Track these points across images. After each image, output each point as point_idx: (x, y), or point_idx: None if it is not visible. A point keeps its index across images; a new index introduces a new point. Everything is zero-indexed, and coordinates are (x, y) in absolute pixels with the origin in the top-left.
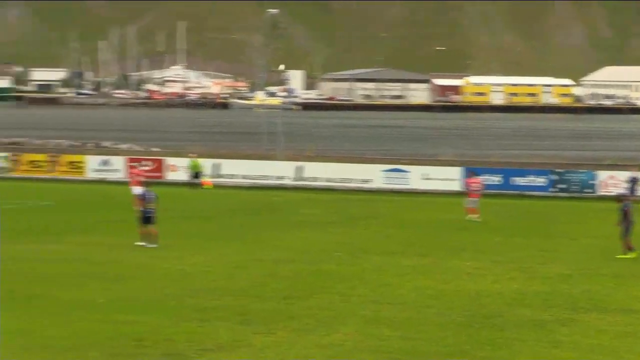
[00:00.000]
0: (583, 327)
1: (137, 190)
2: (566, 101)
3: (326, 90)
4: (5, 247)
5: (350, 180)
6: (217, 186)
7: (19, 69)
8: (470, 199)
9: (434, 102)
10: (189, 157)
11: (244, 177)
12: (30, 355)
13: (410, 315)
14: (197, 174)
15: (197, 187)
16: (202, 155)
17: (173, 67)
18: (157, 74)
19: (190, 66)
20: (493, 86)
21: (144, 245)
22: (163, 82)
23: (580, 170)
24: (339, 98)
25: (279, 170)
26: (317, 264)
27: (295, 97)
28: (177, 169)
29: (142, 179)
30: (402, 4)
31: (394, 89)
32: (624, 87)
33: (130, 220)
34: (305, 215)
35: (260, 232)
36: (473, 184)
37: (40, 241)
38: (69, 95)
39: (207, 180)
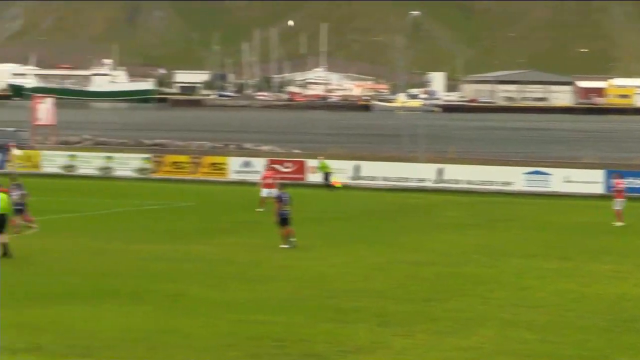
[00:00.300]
0: None
1: (272, 192)
2: None
3: (468, 92)
4: (149, 247)
5: (491, 182)
6: (357, 188)
7: (162, 71)
8: (617, 200)
9: (576, 104)
10: (318, 158)
11: (385, 179)
12: (173, 354)
13: (550, 318)
14: (326, 175)
15: (328, 188)
16: (342, 157)
17: (315, 69)
18: (299, 76)
19: (331, 68)
20: (637, 88)
21: (287, 247)
22: (305, 84)
23: None
24: (480, 100)
25: (420, 173)
26: (457, 267)
27: (437, 99)
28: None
29: (276, 181)
30: (545, 5)
31: (537, 91)
32: None
33: (270, 222)
34: (445, 218)
35: (400, 234)
36: (619, 185)
37: (182, 242)
38: (211, 97)
39: (336, 180)
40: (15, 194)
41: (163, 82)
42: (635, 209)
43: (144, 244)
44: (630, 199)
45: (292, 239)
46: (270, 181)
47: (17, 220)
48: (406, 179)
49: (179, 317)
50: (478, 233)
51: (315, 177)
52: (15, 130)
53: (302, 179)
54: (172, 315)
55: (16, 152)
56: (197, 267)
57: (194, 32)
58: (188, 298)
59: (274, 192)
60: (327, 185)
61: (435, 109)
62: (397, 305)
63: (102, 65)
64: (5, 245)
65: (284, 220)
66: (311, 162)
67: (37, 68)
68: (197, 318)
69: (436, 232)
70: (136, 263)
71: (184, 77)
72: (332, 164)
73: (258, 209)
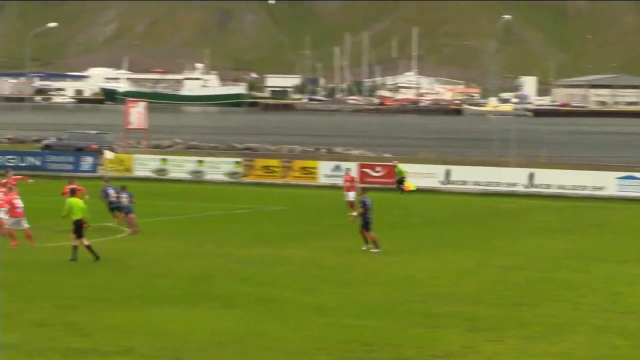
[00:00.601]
0: None
1: (351, 195)
2: None
3: (559, 96)
4: (240, 251)
5: (582, 187)
6: (447, 192)
7: (253, 75)
8: None
9: None
10: (393, 162)
11: (475, 183)
12: (264, 358)
13: None
14: (401, 180)
15: (401, 192)
16: (433, 162)
17: (406, 73)
18: (389, 80)
19: (422, 72)
20: None
21: (370, 249)
22: (396, 88)
23: None
24: (572, 104)
25: (511, 177)
26: (548, 272)
27: (528, 103)
28: (408, 174)
29: (356, 185)
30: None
31: (630, 95)
32: None
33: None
34: (536, 222)
35: (490, 239)
36: None
37: (272, 245)
38: (302, 101)
39: (409, 185)
40: (125, 196)
41: (254, 86)
42: None
43: (235, 248)
44: None
45: (371, 244)
46: (349, 184)
47: (120, 220)
48: (497, 184)
49: (270, 320)
50: (569, 238)
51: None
52: (97, 133)
53: (392, 183)
54: (262, 318)
55: (108, 155)
56: (288, 271)
57: (285, 36)
58: (279, 302)
59: (352, 195)
60: (400, 189)
61: (527, 113)
62: (487, 310)
63: (194, 69)
64: (90, 248)
65: (366, 225)
66: (402, 167)
67: (129, 72)
68: (287, 322)
69: (527, 237)
70: (227, 266)
71: (275, 81)
72: (423, 168)
73: (350, 214)
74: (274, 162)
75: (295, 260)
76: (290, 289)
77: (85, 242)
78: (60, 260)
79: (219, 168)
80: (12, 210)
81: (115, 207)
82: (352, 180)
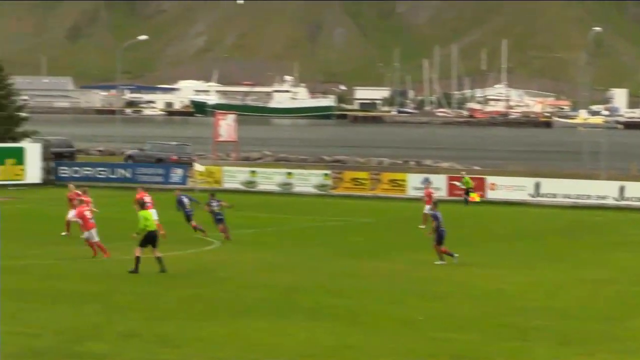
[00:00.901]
0: None
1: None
2: None
3: None
4: (328, 264)
5: None
6: (537, 205)
7: (342, 87)
8: None
9: None
10: (461, 174)
11: (565, 196)
12: None
13: None
14: (467, 191)
15: (466, 204)
16: (522, 174)
17: (495, 85)
18: (479, 93)
19: (512, 84)
20: None
21: (441, 263)
22: (485, 101)
23: None
24: None
25: (601, 190)
26: (639, 285)
27: (619, 115)
28: (497, 187)
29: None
30: None
31: None
32: None
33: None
34: (627, 236)
35: (581, 252)
36: None
37: (361, 258)
38: (391, 113)
39: (474, 196)
40: (215, 204)
41: (343, 98)
42: None
43: (324, 260)
44: None
45: (444, 258)
46: (427, 198)
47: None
48: (587, 196)
49: (358, 333)
50: None
51: (496, 194)
52: (178, 145)
53: (482, 196)
54: (351, 331)
55: (198, 167)
56: (376, 284)
57: (374, 49)
58: (367, 314)
59: (427, 208)
60: (465, 201)
61: (618, 125)
62: (578, 323)
63: (283, 82)
64: (160, 260)
65: (440, 239)
66: (491, 179)
67: (219, 85)
68: (376, 334)
69: (617, 250)
70: (316, 279)
71: (363, 93)
72: (512, 181)
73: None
74: (362, 175)
75: (384, 272)
76: (378, 302)
77: (158, 253)
78: (147, 272)
79: (307, 180)
80: (85, 222)
81: (190, 216)
82: (429, 194)
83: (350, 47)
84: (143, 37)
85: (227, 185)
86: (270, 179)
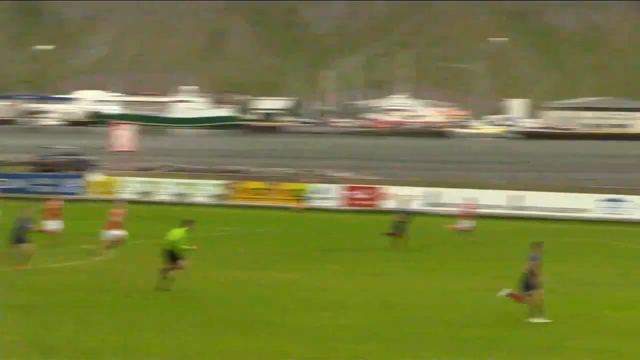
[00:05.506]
0: None
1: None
2: None
3: (551, 119)
4: (220, 273)
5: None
6: (429, 215)
7: (242, 97)
8: None
9: None
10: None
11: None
12: None
13: None
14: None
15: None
16: (419, 184)
17: (395, 95)
18: (379, 103)
19: (412, 95)
20: None
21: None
22: (385, 111)
23: None
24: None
25: (492, 199)
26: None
27: (518, 125)
28: (394, 197)
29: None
30: (621, 32)
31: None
32: None
33: (343, 249)
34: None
35: (469, 262)
36: None
37: (247, 268)
38: (290, 123)
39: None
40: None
41: (244, 108)
42: None
43: (215, 269)
44: None
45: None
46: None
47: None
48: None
49: (248, 340)
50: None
51: (389, 204)
52: (71, 151)
53: (375, 205)
54: (237, 338)
55: (95, 177)
56: (265, 293)
57: (277, 59)
58: (265, 324)
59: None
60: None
61: (515, 135)
62: (469, 331)
63: (183, 91)
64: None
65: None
66: (387, 189)
67: (120, 95)
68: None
69: (507, 260)
70: (207, 287)
71: (265, 103)
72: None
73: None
74: (259, 185)
75: (269, 282)
76: (273, 310)
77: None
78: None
79: (204, 190)
80: None
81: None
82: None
83: (253, 57)
84: (46, 47)
85: (123, 195)
86: (166, 189)
